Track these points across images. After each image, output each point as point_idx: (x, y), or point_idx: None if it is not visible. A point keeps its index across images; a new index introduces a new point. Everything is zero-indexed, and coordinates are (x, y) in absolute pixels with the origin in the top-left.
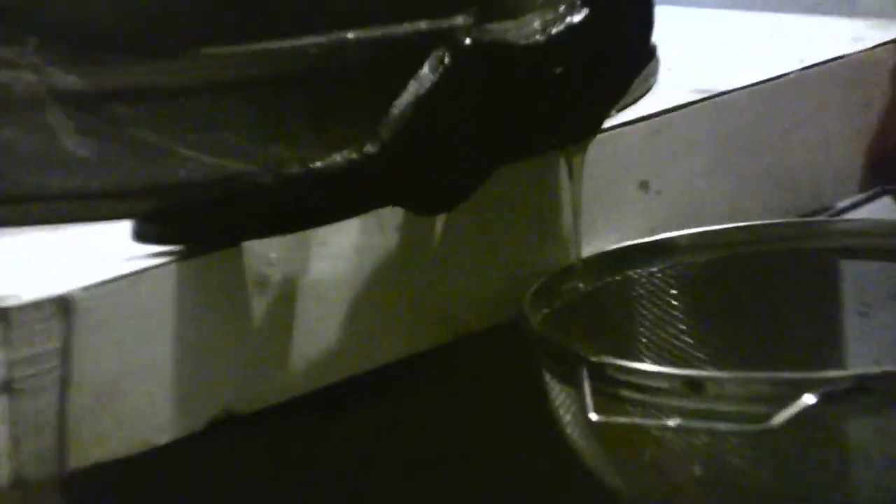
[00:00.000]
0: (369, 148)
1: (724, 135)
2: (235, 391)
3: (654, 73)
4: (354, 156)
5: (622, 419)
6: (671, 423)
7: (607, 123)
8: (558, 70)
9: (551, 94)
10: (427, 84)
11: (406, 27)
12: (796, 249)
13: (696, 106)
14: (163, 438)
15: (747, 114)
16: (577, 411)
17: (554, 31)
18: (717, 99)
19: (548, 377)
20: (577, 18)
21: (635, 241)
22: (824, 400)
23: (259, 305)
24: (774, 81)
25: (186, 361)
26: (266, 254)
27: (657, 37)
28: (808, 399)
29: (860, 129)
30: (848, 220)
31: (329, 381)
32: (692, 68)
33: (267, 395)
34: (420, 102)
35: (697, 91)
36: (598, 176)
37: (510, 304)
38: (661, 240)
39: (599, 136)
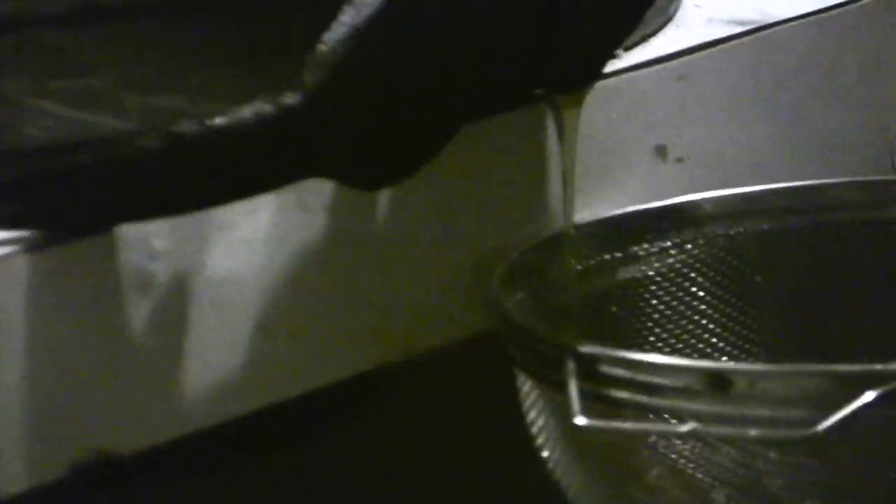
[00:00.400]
0: (288, 97)
1: (767, 81)
2: (110, 427)
3: None
4: (268, 108)
5: (619, 423)
6: (684, 428)
7: (611, 66)
8: None
9: (535, 22)
10: (366, 11)
11: None
12: (857, 219)
13: (731, 43)
14: (11, 488)
15: (797, 54)
16: (558, 417)
17: None
18: (759, 34)
19: (521, 378)
20: None
21: (644, 206)
22: (888, 399)
23: (139, 312)
24: (833, 11)
25: (41, 387)
26: (148, 243)
27: None
28: (867, 397)
29: None
30: None
31: (235, 413)
32: None
33: (152, 431)
34: (357, 36)
35: (734, 22)
36: (602, 138)
37: (477, 314)
38: (678, 205)
39: (601, 84)
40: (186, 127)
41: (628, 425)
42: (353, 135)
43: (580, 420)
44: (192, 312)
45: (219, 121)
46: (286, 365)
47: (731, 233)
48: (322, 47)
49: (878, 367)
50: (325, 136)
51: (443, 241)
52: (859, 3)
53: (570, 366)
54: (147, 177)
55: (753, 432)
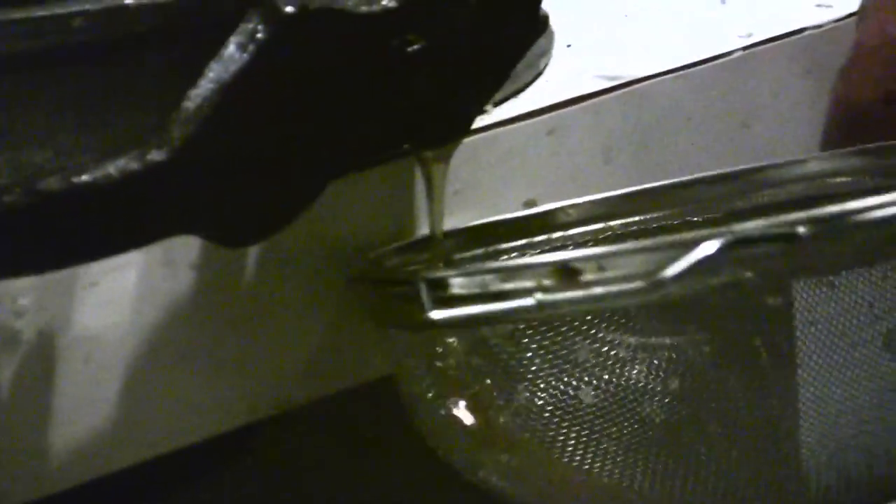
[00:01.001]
0: (154, 154)
1: (634, 134)
2: None
3: (548, 51)
4: (134, 165)
5: (468, 309)
6: (530, 301)
7: (480, 121)
8: (413, 48)
9: (403, 80)
10: (233, 67)
11: None
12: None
13: (600, 98)
14: None
15: (662, 107)
16: (412, 323)
17: None
18: (626, 89)
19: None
20: None
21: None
22: (726, 248)
23: (5, 370)
24: (695, 68)
25: None
26: (14, 300)
27: (551, 2)
28: (707, 248)
29: None
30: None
31: (103, 472)
32: (599, 46)
33: (19, 490)
34: (223, 92)
35: (602, 77)
36: (471, 192)
37: (347, 369)
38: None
39: (471, 139)
40: (52, 183)
41: (477, 309)
42: (220, 191)
43: (434, 314)
44: (58, 370)
45: (84, 177)
46: (155, 422)
47: None
48: (188, 104)
49: (713, 230)
50: (192, 193)
51: (310, 297)
52: (721, 60)
53: (423, 288)
54: (12, 233)
55: (599, 290)
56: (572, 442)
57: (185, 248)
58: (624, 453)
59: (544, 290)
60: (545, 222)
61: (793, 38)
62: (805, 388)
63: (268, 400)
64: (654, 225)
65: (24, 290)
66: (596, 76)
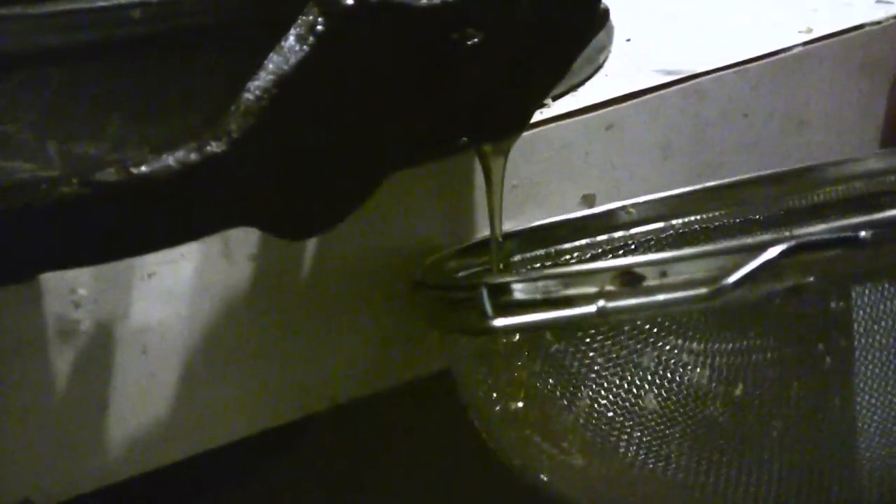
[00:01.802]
0: (214, 146)
1: (692, 129)
2: (34, 476)
3: (607, 46)
4: (193, 157)
5: (530, 317)
6: (592, 308)
7: (539, 115)
8: (472, 41)
9: (462, 74)
10: (293, 60)
11: None
12: None
13: (658, 93)
14: None
15: (720, 103)
16: (474, 330)
17: None
18: (685, 84)
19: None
20: None
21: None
22: (789, 253)
23: (63, 361)
24: (752, 64)
25: None
26: (72, 291)
27: None
28: (770, 254)
29: None
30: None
31: (161, 463)
32: (658, 41)
33: (77, 481)
34: (283, 84)
35: (661, 72)
36: (529, 186)
37: (402, 364)
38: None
39: (530, 133)
40: (110, 175)
41: (539, 316)
42: (279, 184)
43: (496, 322)
44: (116, 361)
45: (143, 168)
46: (211, 414)
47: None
48: (247, 95)
49: (776, 234)
50: (251, 185)
51: (367, 295)
52: (776, 57)
53: (485, 294)
54: (69, 224)
55: (661, 297)
56: (634, 445)
57: (244, 241)
58: (686, 457)
59: (606, 296)
60: (606, 222)
61: (852, 34)
62: (864, 392)
63: (321, 395)
64: (715, 224)
65: (82, 280)
66: (655, 71)
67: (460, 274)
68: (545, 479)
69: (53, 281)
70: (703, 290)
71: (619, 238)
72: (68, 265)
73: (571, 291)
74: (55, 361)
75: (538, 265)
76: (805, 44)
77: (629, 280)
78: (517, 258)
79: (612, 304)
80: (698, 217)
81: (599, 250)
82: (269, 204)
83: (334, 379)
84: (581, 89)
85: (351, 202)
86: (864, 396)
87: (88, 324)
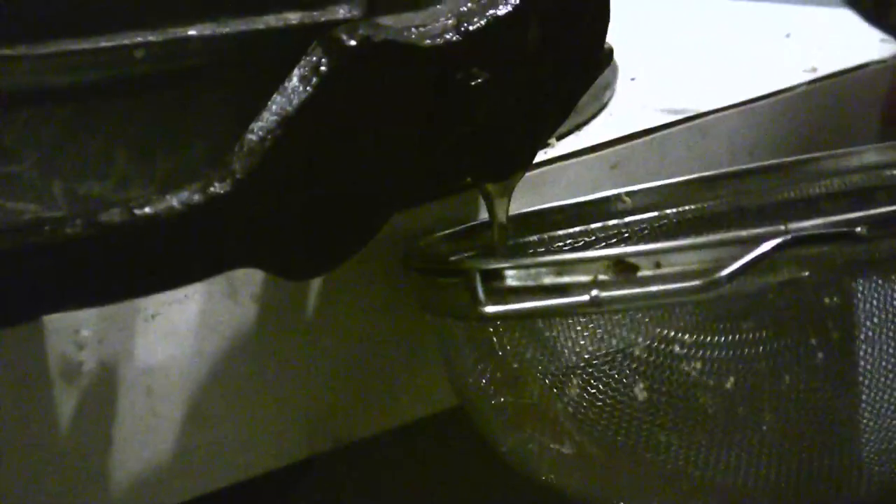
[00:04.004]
0: (217, 187)
1: (698, 168)
2: None
3: (611, 84)
4: (197, 197)
5: (523, 304)
6: (585, 297)
7: (544, 155)
8: (476, 81)
9: (466, 113)
10: (297, 100)
11: (269, 20)
12: None
13: (663, 132)
14: None
15: (725, 141)
16: (465, 323)
17: (471, 27)
18: (690, 123)
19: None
20: (502, 10)
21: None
22: (783, 246)
23: (67, 401)
24: (757, 103)
25: None
26: (75, 332)
27: (615, 36)
28: (764, 247)
29: None
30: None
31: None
32: (663, 80)
33: None
34: (287, 124)
35: (666, 111)
36: None
37: (407, 403)
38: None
39: (535, 173)
40: (114, 215)
41: (532, 304)
42: (282, 224)
43: (488, 308)
44: (120, 402)
45: (147, 210)
46: (216, 454)
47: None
48: (251, 136)
49: (771, 228)
50: (254, 226)
51: (374, 329)
52: (781, 96)
53: (478, 279)
54: (73, 265)
55: (655, 288)
56: (624, 435)
57: (248, 281)
58: (676, 448)
59: (600, 285)
60: (601, 210)
61: (857, 72)
62: (863, 386)
63: (327, 434)
64: (710, 214)
65: (86, 321)
66: (660, 110)
67: (452, 258)
68: (535, 466)
69: (57, 321)
70: (696, 283)
71: (614, 226)
72: (72, 306)
73: (565, 279)
74: (59, 402)
75: (531, 250)
76: (810, 83)
77: (623, 269)
78: (511, 242)
79: (605, 294)
80: (693, 206)
81: (593, 238)
82: (273, 244)
83: (339, 418)
84: (586, 128)
85: (355, 242)
86: (858, 391)
87: (92, 364)
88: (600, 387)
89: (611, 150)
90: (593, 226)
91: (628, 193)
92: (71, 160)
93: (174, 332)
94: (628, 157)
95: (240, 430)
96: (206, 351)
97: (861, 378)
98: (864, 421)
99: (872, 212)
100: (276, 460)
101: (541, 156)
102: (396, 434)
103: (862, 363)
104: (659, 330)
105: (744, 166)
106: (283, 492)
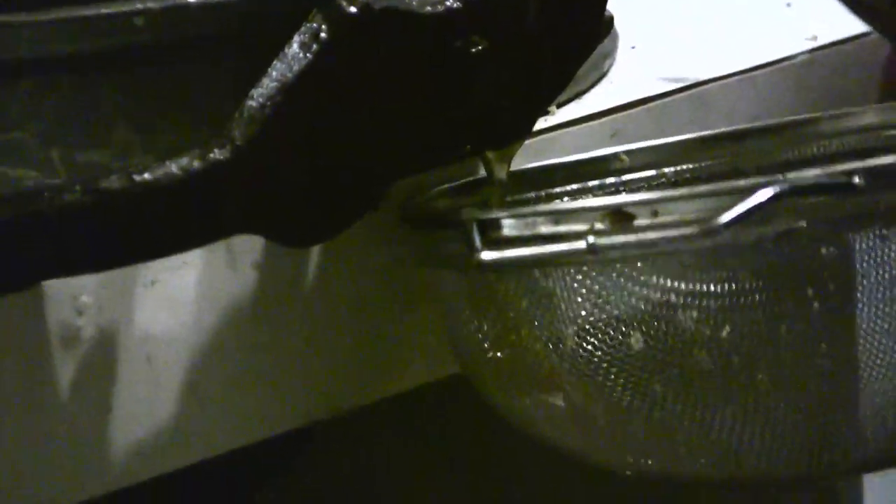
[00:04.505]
0: (217, 153)
1: None
2: (36, 483)
3: (612, 53)
4: (196, 164)
5: (519, 251)
6: (582, 244)
7: (543, 123)
8: (476, 49)
9: (466, 81)
10: (296, 67)
11: None
12: None
13: (664, 100)
14: None
15: (725, 110)
16: (462, 264)
17: None
18: (690, 91)
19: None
20: None
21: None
22: (780, 196)
23: (66, 368)
24: (756, 71)
25: None
26: (75, 298)
27: (615, 4)
28: (761, 196)
29: None
30: None
31: (164, 470)
32: (663, 48)
33: (79, 489)
34: (287, 92)
35: (666, 80)
36: None
37: (406, 372)
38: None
39: (534, 140)
40: (113, 182)
41: (528, 251)
42: (282, 191)
43: (484, 255)
44: (119, 368)
45: (147, 176)
46: (214, 422)
47: None
48: (251, 103)
49: (768, 177)
50: (254, 193)
51: (372, 299)
52: (781, 64)
53: (475, 229)
54: (73, 232)
55: (651, 235)
56: (619, 387)
57: (248, 248)
58: (671, 399)
59: (597, 233)
60: (598, 168)
61: (858, 40)
62: (861, 339)
63: (327, 402)
64: (707, 173)
65: (86, 287)
66: (660, 78)
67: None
68: (531, 422)
69: (56, 288)
70: (694, 230)
71: (611, 184)
72: (72, 272)
73: (562, 228)
74: (58, 368)
75: (528, 202)
76: (810, 51)
77: (620, 219)
78: (508, 199)
79: (602, 241)
80: (691, 166)
81: (590, 195)
82: (273, 212)
83: (338, 386)
84: (586, 97)
85: (355, 210)
86: (855, 344)
87: (92, 331)
88: (599, 335)
89: (610, 118)
90: (590, 183)
91: (626, 152)
92: (71, 128)
93: (174, 300)
94: (628, 125)
95: (238, 398)
96: (205, 318)
97: (858, 331)
98: (863, 376)
99: (870, 162)
100: (275, 428)
101: (540, 123)
102: (395, 402)
103: (859, 316)
104: (655, 280)
105: (742, 126)
106: (282, 460)
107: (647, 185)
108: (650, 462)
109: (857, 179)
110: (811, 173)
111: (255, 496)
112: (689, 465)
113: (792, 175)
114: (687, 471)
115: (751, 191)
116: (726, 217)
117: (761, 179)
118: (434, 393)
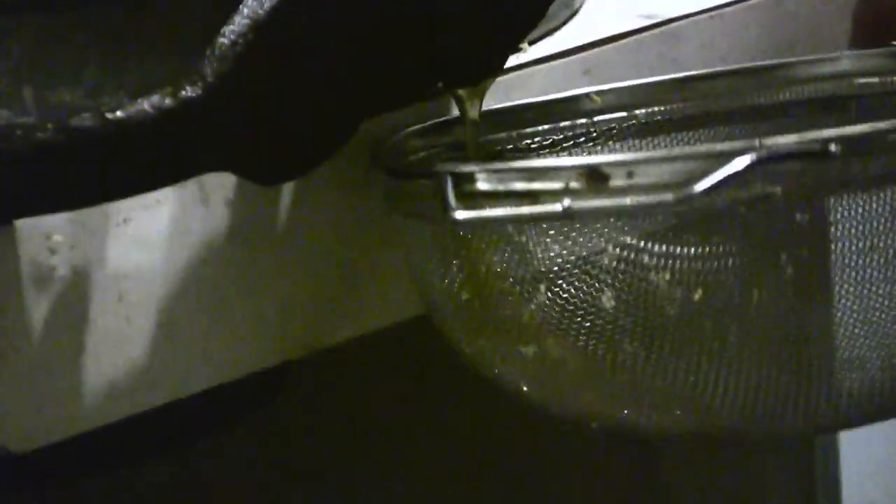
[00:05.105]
0: (189, 91)
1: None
2: (8, 424)
3: None
4: (168, 102)
5: (493, 211)
6: (558, 206)
7: (515, 60)
8: None
9: (437, 16)
10: (268, 4)
11: None
12: None
13: (636, 37)
14: None
15: (696, 47)
16: (434, 229)
17: None
18: (663, 28)
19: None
20: None
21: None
22: (758, 164)
23: (39, 308)
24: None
25: None
26: (48, 237)
27: None
28: (738, 164)
29: None
30: None
31: (138, 409)
32: None
33: (51, 428)
34: (258, 29)
35: (639, 16)
36: None
37: (380, 310)
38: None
39: (506, 77)
40: (85, 120)
41: (502, 211)
42: (254, 128)
43: (458, 214)
44: (92, 307)
45: (119, 114)
46: (188, 361)
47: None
48: (223, 40)
49: (746, 143)
50: (226, 130)
51: (346, 236)
52: (750, 2)
53: (448, 183)
54: (45, 170)
55: (627, 200)
56: (591, 344)
57: (220, 185)
58: (642, 359)
59: (572, 193)
60: (570, 108)
61: None
62: (837, 304)
63: (300, 340)
64: (678, 116)
65: (58, 226)
66: (632, 15)
67: (422, 156)
68: (497, 371)
69: (28, 227)
70: (669, 197)
71: (582, 125)
72: (44, 211)
73: (536, 185)
74: (31, 308)
75: (499, 148)
76: None
77: (595, 178)
78: (480, 139)
79: (578, 205)
80: (662, 108)
81: (561, 136)
82: (244, 149)
83: (311, 324)
84: (557, 34)
85: (326, 147)
86: (829, 310)
87: (64, 270)
88: (571, 291)
89: (583, 55)
90: (562, 124)
91: (598, 93)
92: (42, 68)
93: (146, 238)
94: (601, 62)
95: (213, 336)
96: (178, 257)
97: (833, 296)
98: (836, 338)
99: (847, 130)
100: (251, 366)
101: (512, 60)
102: (369, 340)
103: (833, 282)
104: (628, 239)
105: (715, 69)
106: (259, 397)
107: (619, 126)
108: (617, 414)
109: (833, 147)
110: (788, 140)
111: (232, 435)
112: (657, 418)
113: (769, 142)
114: (654, 424)
115: (728, 156)
116: (703, 185)
117: (738, 144)
118: (412, 329)
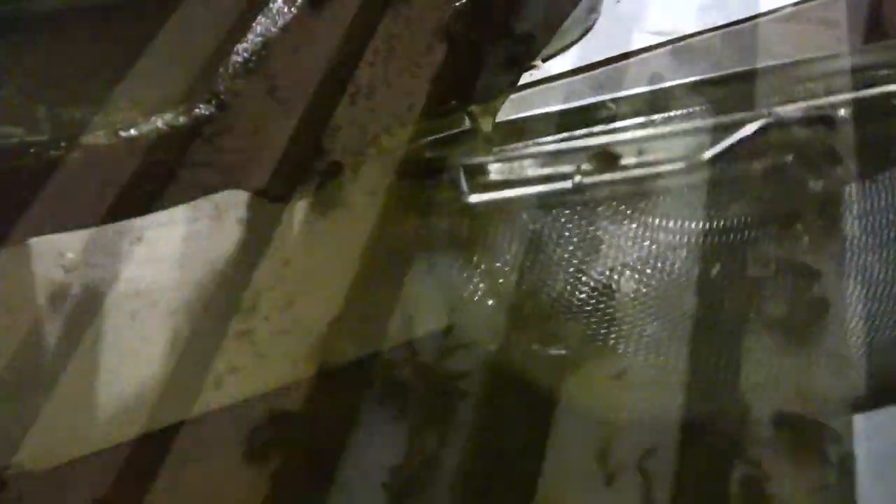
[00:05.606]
0: (202, 108)
1: None
2: (23, 441)
3: (597, 7)
4: (182, 119)
5: (506, 192)
6: (569, 183)
7: (530, 77)
8: (459, 3)
9: (449, 36)
10: (281, 21)
11: None
12: None
13: (648, 53)
14: None
15: (708, 62)
16: (451, 209)
17: None
18: (674, 45)
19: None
20: None
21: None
22: (765, 130)
23: (53, 325)
24: (735, 27)
25: None
26: (61, 255)
27: None
28: (746, 130)
29: None
30: None
31: (151, 427)
32: (647, 2)
33: (66, 445)
34: (271, 45)
35: (651, 33)
36: None
37: (387, 329)
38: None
39: (520, 94)
40: (98, 138)
41: (514, 192)
42: (265, 145)
43: (472, 198)
44: (105, 325)
45: (132, 132)
46: (202, 378)
47: None
48: (236, 58)
49: (751, 112)
50: (239, 147)
51: (360, 253)
52: (770, 17)
53: (462, 174)
54: (59, 187)
55: (640, 172)
56: (615, 328)
57: (233, 204)
58: (663, 338)
59: (583, 174)
60: (586, 116)
61: None
62: (851, 275)
63: (312, 359)
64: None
65: (72, 245)
66: (645, 32)
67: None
68: (515, 361)
69: (43, 245)
70: (679, 165)
71: (599, 132)
72: (58, 228)
73: (548, 170)
74: (45, 325)
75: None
76: (796, 4)
77: (606, 158)
78: (495, 150)
79: (588, 179)
80: (677, 113)
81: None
82: (257, 165)
83: (324, 343)
84: (571, 50)
85: (339, 163)
86: (851, 279)
87: (78, 288)
88: (592, 273)
89: (596, 71)
90: (577, 132)
91: (613, 100)
92: (55, 85)
93: (159, 257)
94: (613, 78)
95: (226, 354)
96: (191, 275)
97: (850, 268)
98: (859, 310)
99: (854, 95)
100: (262, 387)
101: (526, 77)
102: (379, 359)
103: (850, 252)
104: (643, 217)
105: (727, 71)
106: (269, 415)
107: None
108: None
109: (841, 112)
110: (794, 107)
111: (243, 452)
112: (675, 405)
113: (777, 109)
114: (672, 413)
115: (736, 126)
116: (711, 152)
117: (745, 114)
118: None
